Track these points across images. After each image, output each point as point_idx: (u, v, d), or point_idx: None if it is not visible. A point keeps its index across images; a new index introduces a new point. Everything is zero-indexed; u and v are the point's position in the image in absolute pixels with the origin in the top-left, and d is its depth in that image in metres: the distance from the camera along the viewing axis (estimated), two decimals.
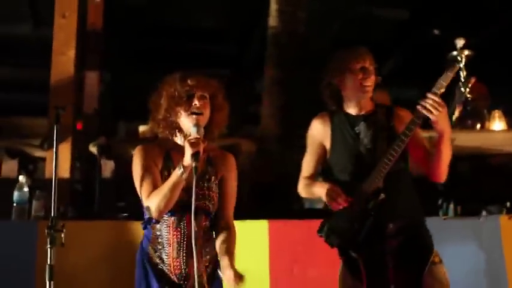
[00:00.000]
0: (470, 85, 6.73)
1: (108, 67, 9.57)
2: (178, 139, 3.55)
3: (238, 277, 3.33)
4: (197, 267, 3.27)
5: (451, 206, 6.04)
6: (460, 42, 7.03)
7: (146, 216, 3.50)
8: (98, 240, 5.40)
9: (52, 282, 3.26)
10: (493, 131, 7.10)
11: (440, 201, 6.08)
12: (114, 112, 9.77)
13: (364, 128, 3.91)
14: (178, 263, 3.46)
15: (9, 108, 10.68)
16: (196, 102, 3.45)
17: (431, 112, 3.56)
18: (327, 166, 4.06)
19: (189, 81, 3.47)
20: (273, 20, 8.28)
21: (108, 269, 5.23)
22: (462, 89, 6.71)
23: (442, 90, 3.61)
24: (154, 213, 3.38)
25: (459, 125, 6.81)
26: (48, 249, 3.28)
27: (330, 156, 4.03)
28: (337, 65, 3.96)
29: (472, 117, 7.01)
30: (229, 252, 3.45)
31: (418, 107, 3.62)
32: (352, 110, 3.98)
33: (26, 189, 5.61)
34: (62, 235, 3.31)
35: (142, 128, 7.57)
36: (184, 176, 3.29)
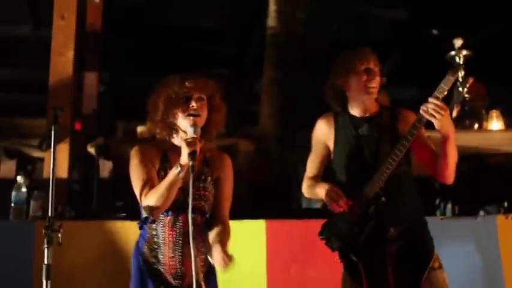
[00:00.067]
0: (468, 85, 6.72)
1: (107, 67, 9.58)
2: (176, 140, 3.57)
3: (227, 257, 3.32)
4: (190, 268, 3.26)
5: (449, 205, 6.04)
6: (458, 42, 7.02)
7: (143, 215, 3.52)
8: (96, 240, 5.40)
9: (49, 282, 3.27)
10: (491, 131, 7.09)
11: (438, 201, 6.08)
12: (113, 112, 9.76)
13: (367, 130, 3.89)
14: (173, 262, 3.48)
15: (8, 108, 10.71)
16: (193, 104, 3.47)
17: (433, 116, 3.54)
18: (330, 167, 4.06)
19: (186, 83, 3.49)
20: (271, 21, 8.29)
21: (106, 269, 5.24)
22: (460, 89, 6.71)
23: (444, 93, 3.60)
24: (151, 212, 3.40)
25: (457, 125, 6.80)
26: (45, 249, 3.29)
27: (333, 157, 4.02)
28: (341, 66, 3.93)
29: (470, 117, 7.01)
30: (222, 241, 3.45)
31: (420, 111, 3.61)
32: (356, 112, 3.96)
33: (24, 189, 5.63)
34: (59, 235, 3.32)
35: (140, 129, 7.59)
36: (181, 175, 3.31)
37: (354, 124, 3.93)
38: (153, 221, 3.50)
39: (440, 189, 6.01)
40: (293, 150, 7.83)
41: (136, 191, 3.49)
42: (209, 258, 3.48)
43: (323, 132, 4.06)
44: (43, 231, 3.29)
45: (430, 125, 3.68)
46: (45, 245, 3.29)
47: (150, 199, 3.37)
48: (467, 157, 6.47)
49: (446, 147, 3.66)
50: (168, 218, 3.49)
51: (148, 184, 3.44)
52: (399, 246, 3.77)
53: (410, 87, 9.88)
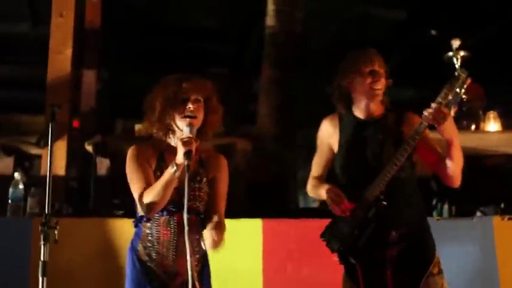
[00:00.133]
0: (465, 86, 6.71)
1: (106, 65, 9.58)
2: (172, 141, 3.59)
3: (218, 238, 3.37)
4: (185, 267, 3.26)
5: (446, 206, 6.04)
6: (455, 43, 7.03)
7: (138, 214, 3.55)
8: (93, 237, 5.42)
9: (45, 279, 3.28)
10: (488, 132, 7.10)
11: (434, 202, 6.08)
12: (112, 110, 9.77)
13: (372, 133, 3.88)
14: (167, 261, 3.52)
15: (7, 105, 10.70)
16: (190, 105, 3.49)
17: (436, 122, 3.54)
18: (333, 168, 4.06)
19: (184, 85, 3.51)
20: (270, 20, 8.30)
21: (103, 266, 5.26)
22: (457, 89, 6.70)
23: (447, 99, 3.60)
24: (146, 211, 3.43)
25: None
26: (42, 246, 3.30)
27: (336, 159, 4.02)
28: (346, 67, 3.93)
29: (467, 118, 7.01)
30: (216, 228, 3.45)
31: (423, 116, 3.60)
32: (361, 113, 3.94)
33: (21, 186, 5.64)
34: (56, 232, 3.33)
35: (138, 127, 7.59)
36: (177, 174, 3.33)
37: (358, 126, 3.93)
38: (148, 220, 3.53)
39: (437, 189, 6.01)
40: (291, 149, 7.84)
41: (133, 190, 3.52)
42: (202, 243, 3.49)
43: (327, 133, 4.06)
44: (39, 228, 3.30)
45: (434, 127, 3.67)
46: (42, 242, 3.31)
47: (146, 198, 3.39)
48: (464, 158, 6.48)
49: (450, 151, 3.65)
50: (163, 217, 3.51)
51: (145, 183, 3.46)
52: (400, 250, 3.77)
53: (408, 87, 9.88)
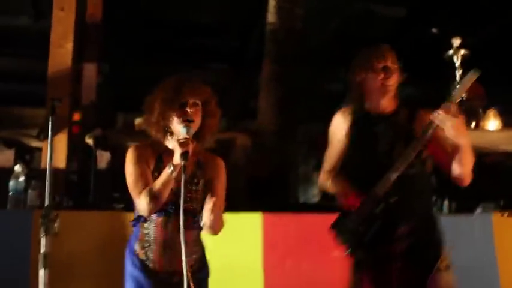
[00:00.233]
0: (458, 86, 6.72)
1: (107, 59, 9.58)
2: (170, 143, 3.61)
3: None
4: (181, 266, 3.30)
5: (446, 203, 6.06)
6: (456, 42, 7.03)
7: (137, 214, 3.58)
8: (93, 230, 5.43)
9: (46, 271, 3.28)
10: (488, 130, 7.11)
11: (434, 198, 6.10)
12: (113, 103, 9.78)
13: (383, 129, 3.89)
14: (164, 261, 3.57)
15: (8, 98, 10.70)
16: (188, 109, 3.53)
17: (444, 122, 3.54)
18: (344, 162, 4.07)
19: (182, 88, 3.55)
20: (271, 16, 8.31)
21: (103, 259, 5.27)
22: (457, 88, 6.71)
23: (458, 99, 3.60)
24: (144, 211, 3.49)
25: None
26: (42, 238, 3.31)
27: (347, 154, 4.03)
28: (359, 64, 3.94)
29: (467, 116, 7.01)
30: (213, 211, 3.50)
31: (433, 115, 3.60)
32: (373, 109, 3.95)
33: (21, 178, 5.65)
34: (56, 224, 3.34)
35: (138, 121, 7.60)
36: (174, 174, 3.39)
37: (370, 122, 3.94)
38: (146, 221, 3.58)
39: (438, 186, 6.03)
40: (291, 144, 7.86)
41: (131, 190, 3.56)
42: (200, 221, 3.52)
43: (339, 127, 4.05)
44: (39, 220, 3.31)
45: None
46: (42, 234, 3.32)
47: (144, 198, 3.44)
48: None
49: (460, 152, 3.65)
50: (161, 218, 3.56)
51: (143, 184, 3.50)
52: (408, 245, 3.77)
53: (408, 84, 9.88)
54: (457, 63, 6.92)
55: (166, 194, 3.42)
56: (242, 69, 11.55)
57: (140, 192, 3.47)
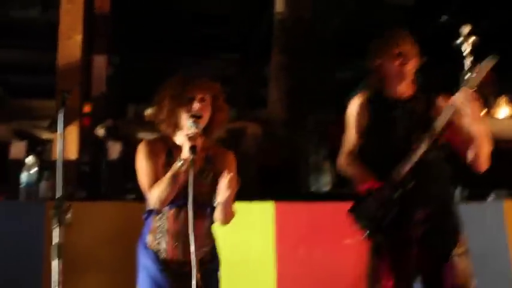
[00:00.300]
0: (475, 72, 6.70)
1: (118, 50, 9.61)
2: (179, 138, 3.62)
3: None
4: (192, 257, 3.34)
5: (458, 190, 6.05)
6: (465, 30, 7.01)
7: (148, 207, 3.60)
8: (105, 220, 5.44)
9: (60, 261, 3.30)
10: (499, 118, 7.10)
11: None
12: (124, 94, 9.81)
13: (400, 114, 3.87)
14: (176, 252, 3.57)
15: (19, 90, 10.75)
16: (196, 104, 3.55)
17: (462, 107, 3.53)
18: (362, 146, 4.06)
19: (190, 84, 3.58)
20: (279, 6, 8.33)
21: (115, 249, 5.28)
22: (467, 76, 6.69)
23: (476, 84, 3.59)
24: (155, 205, 3.52)
25: None
26: (55, 229, 3.33)
27: (365, 137, 4.01)
28: (376, 49, 3.92)
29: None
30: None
31: (450, 100, 3.59)
32: (391, 94, 3.93)
33: (33, 170, 5.66)
34: (69, 215, 3.36)
35: (148, 111, 7.62)
36: (183, 168, 3.41)
37: (387, 106, 3.91)
38: (158, 213, 3.59)
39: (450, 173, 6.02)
40: (301, 134, 7.87)
41: (142, 184, 3.59)
42: (216, 198, 3.54)
43: (357, 111, 4.02)
44: (52, 211, 3.33)
45: None
46: (55, 225, 3.34)
47: (154, 192, 3.48)
48: None
49: (477, 138, 3.64)
50: (172, 210, 3.57)
51: (154, 178, 3.53)
52: (425, 229, 3.77)
53: (416, 73, 9.84)
54: (467, 51, 6.89)
55: (176, 187, 3.45)
56: (251, 58, 11.57)
57: (151, 187, 3.51)
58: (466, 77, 6.59)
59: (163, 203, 3.49)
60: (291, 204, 5.64)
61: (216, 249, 3.74)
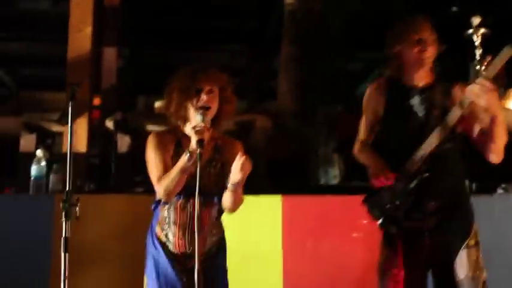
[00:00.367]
0: (485, 64, 6.66)
1: (127, 43, 9.62)
2: (188, 130, 3.63)
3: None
4: (200, 249, 3.40)
5: (466, 183, 6.03)
6: (475, 21, 6.97)
7: (157, 198, 3.62)
8: (114, 213, 5.45)
9: (67, 254, 3.32)
10: (509, 110, 7.06)
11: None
12: (134, 87, 9.82)
13: (418, 102, 3.84)
14: (183, 242, 3.59)
15: (29, 83, 10.78)
16: (204, 96, 3.58)
17: (479, 97, 3.50)
18: (377, 134, 4.04)
19: (198, 75, 3.61)
20: None
21: (124, 242, 5.29)
22: (477, 67, 6.65)
23: (493, 74, 3.55)
24: (163, 196, 3.55)
25: None
26: (63, 222, 3.35)
27: (381, 125, 3.99)
28: (395, 36, 3.88)
29: None
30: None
31: (466, 91, 3.57)
32: (409, 81, 3.90)
33: (43, 163, 5.67)
34: (77, 208, 3.38)
35: (158, 104, 7.64)
36: (191, 162, 3.42)
37: (404, 94, 3.89)
38: (166, 203, 3.63)
39: None
40: (311, 126, 7.86)
41: (151, 176, 3.64)
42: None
43: (374, 98, 4.00)
44: (61, 204, 3.35)
45: None
46: (63, 218, 3.35)
47: (162, 184, 3.52)
48: None
49: (493, 127, 3.59)
50: (180, 201, 3.61)
51: (162, 169, 3.57)
52: (438, 221, 3.75)
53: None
54: (477, 42, 6.85)
55: (183, 180, 3.49)
56: (261, 50, 11.56)
57: (159, 178, 3.55)
58: (476, 68, 6.57)
59: (170, 195, 3.53)
60: (299, 197, 5.63)
61: (224, 240, 3.76)
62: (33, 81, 10.94)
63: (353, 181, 7.53)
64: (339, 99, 9.16)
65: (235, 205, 3.58)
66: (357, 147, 4.10)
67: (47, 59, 10.78)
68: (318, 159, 7.88)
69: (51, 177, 5.72)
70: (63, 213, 3.34)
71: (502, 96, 7.11)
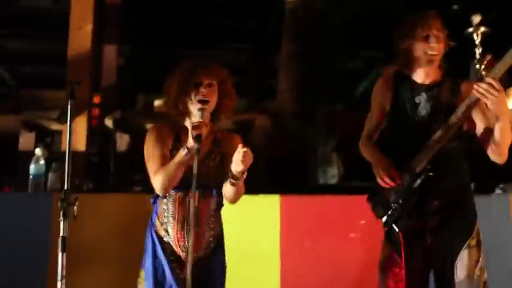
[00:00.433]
0: (485, 62, 6.66)
1: (127, 40, 9.62)
2: (187, 123, 3.64)
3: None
4: (199, 242, 3.49)
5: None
6: (476, 19, 6.97)
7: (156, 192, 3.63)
8: (113, 212, 5.45)
9: (65, 254, 3.32)
10: (509, 109, 7.04)
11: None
12: (134, 85, 9.82)
13: (424, 99, 3.80)
14: (181, 236, 3.59)
15: (29, 81, 10.77)
16: (202, 90, 3.58)
17: (485, 97, 3.48)
18: (383, 130, 4.03)
19: (197, 69, 3.61)
20: None
21: (122, 241, 5.29)
22: (477, 66, 6.66)
23: (500, 74, 3.53)
24: (159, 190, 3.56)
25: None
26: (61, 222, 3.35)
27: (387, 120, 3.96)
28: (404, 31, 3.80)
29: None
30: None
31: (473, 91, 3.55)
32: (417, 78, 3.85)
33: (42, 161, 5.67)
34: (75, 208, 3.38)
35: (157, 103, 7.64)
36: (188, 156, 3.44)
37: (412, 90, 3.84)
38: (164, 197, 3.64)
39: None
40: (310, 125, 7.85)
41: (148, 169, 3.64)
42: (230, 174, 3.53)
43: (381, 93, 3.97)
44: (59, 203, 3.35)
45: None
46: (61, 218, 3.36)
47: (158, 178, 3.53)
48: None
49: (498, 128, 3.55)
50: (178, 194, 3.61)
51: (159, 163, 3.58)
52: (440, 220, 3.74)
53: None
54: (477, 40, 6.86)
55: (180, 174, 3.50)
56: (262, 48, 11.56)
57: (156, 172, 3.56)
58: (476, 66, 6.56)
59: (166, 189, 3.54)
60: (297, 197, 5.62)
61: (222, 235, 3.75)
62: (33, 79, 10.93)
63: (352, 181, 7.53)
64: (339, 98, 9.17)
65: (237, 196, 3.58)
66: (361, 142, 4.10)
67: (47, 57, 10.78)
68: (317, 158, 7.89)
69: (50, 175, 5.72)
70: (61, 213, 3.35)
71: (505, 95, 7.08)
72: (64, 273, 3.32)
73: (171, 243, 3.61)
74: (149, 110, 8.13)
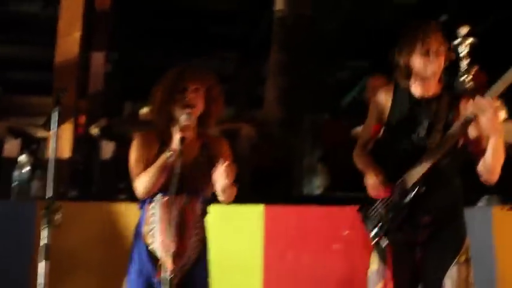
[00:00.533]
0: (472, 74, 6.65)
1: (116, 48, 9.61)
2: (173, 130, 3.65)
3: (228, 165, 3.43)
4: (183, 246, 3.51)
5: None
6: (463, 30, 6.97)
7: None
8: (97, 220, 5.45)
9: (48, 262, 3.32)
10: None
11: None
12: (121, 92, 9.81)
13: (422, 113, 3.79)
14: (168, 241, 3.57)
15: (15, 87, 10.73)
16: (188, 95, 3.59)
17: (483, 112, 3.48)
18: (378, 141, 4.00)
19: (184, 74, 3.63)
20: (279, 3, 8.30)
21: (106, 249, 5.29)
22: (463, 78, 6.66)
23: (499, 92, 3.52)
24: (141, 192, 3.58)
25: None
26: (44, 230, 3.35)
27: (383, 131, 3.96)
28: (404, 44, 3.78)
29: None
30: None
31: (472, 104, 3.53)
32: (416, 91, 3.84)
33: (26, 169, 5.67)
34: (59, 216, 3.39)
35: (143, 110, 7.63)
36: (171, 159, 3.46)
37: (410, 103, 3.84)
38: (151, 201, 3.62)
39: None
40: (297, 134, 7.85)
41: (131, 173, 3.66)
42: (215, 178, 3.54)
43: (380, 103, 3.97)
44: (42, 211, 3.35)
45: None
46: (44, 226, 3.36)
47: (140, 181, 3.56)
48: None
49: (491, 147, 3.52)
50: (165, 198, 3.60)
51: (143, 167, 3.60)
52: (430, 235, 3.72)
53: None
54: (463, 52, 6.85)
55: (162, 176, 3.51)
56: (251, 57, 11.56)
57: (138, 175, 3.58)
58: (461, 78, 6.53)
59: (148, 191, 3.56)
60: (281, 207, 5.62)
61: (206, 240, 3.74)
62: (19, 85, 10.88)
63: (337, 191, 7.53)
64: (326, 108, 9.17)
65: (229, 198, 3.58)
66: (355, 151, 4.09)
67: (34, 62, 10.76)
68: (302, 168, 7.88)
69: (34, 183, 5.71)
70: (44, 221, 3.35)
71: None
72: (46, 281, 3.32)
73: (159, 249, 3.59)
74: (135, 117, 8.10)
